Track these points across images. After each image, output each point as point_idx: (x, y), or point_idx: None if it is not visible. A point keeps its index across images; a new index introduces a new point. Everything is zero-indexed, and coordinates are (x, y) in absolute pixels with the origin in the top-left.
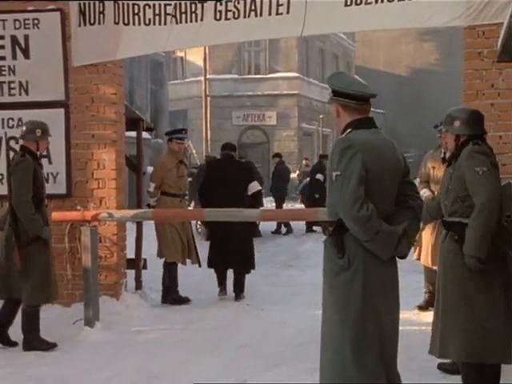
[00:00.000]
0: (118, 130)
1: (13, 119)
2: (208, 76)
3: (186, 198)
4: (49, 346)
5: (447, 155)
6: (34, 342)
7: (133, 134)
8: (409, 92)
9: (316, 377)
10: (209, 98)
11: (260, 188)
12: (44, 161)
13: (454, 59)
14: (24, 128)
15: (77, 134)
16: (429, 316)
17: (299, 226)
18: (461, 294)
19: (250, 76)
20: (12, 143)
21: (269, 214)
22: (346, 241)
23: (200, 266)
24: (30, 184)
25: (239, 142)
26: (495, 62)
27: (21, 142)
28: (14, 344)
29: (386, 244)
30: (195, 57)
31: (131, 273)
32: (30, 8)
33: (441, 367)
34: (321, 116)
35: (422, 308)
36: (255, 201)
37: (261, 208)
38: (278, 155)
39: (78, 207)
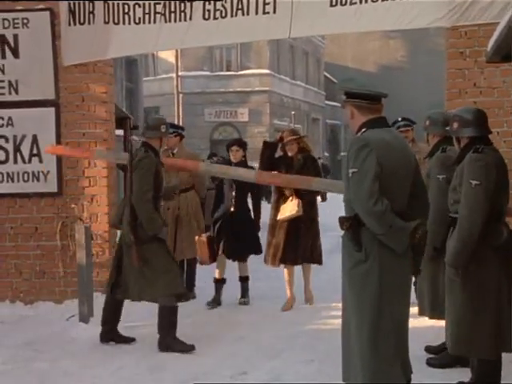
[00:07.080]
0: (109, 128)
1: (2, 118)
2: (180, 73)
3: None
4: (186, 348)
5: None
6: (171, 342)
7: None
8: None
9: (311, 367)
10: (181, 95)
11: None
12: (34, 159)
13: (419, 56)
14: (145, 125)
15: (67, 132)
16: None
17: None
18: (460, 288)
19: (221, 73)
20: (1, 141)
21: (264, 176)
22: (362, 235)
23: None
24: (152, 182)
25: (211, 138)
26: (477, 60)
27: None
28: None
29: (399, 237)
30: (167, 54)
31: None
32: (19, 7)
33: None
34: (292, 112)
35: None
36: None
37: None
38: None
39: (72, 205)
